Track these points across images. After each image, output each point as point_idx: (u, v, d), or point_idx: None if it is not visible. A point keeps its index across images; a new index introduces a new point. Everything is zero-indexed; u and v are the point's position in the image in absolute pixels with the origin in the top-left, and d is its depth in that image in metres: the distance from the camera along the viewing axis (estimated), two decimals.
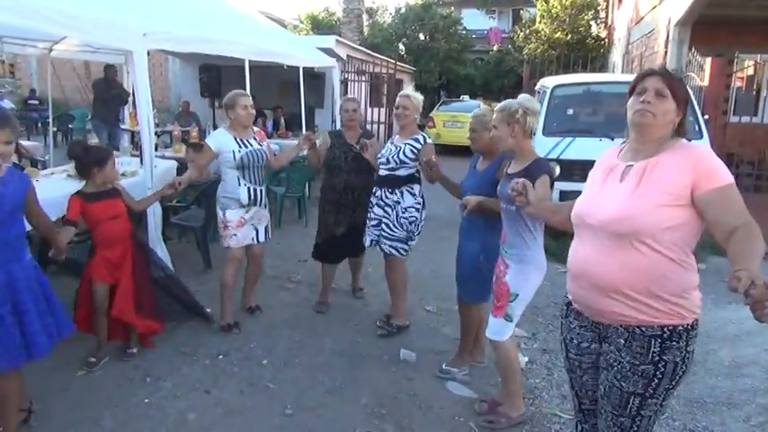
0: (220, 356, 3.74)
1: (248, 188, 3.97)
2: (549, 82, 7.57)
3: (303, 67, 8.43)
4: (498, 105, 2.92)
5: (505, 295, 2.89)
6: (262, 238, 4.17)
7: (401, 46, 21.78)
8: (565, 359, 2.26)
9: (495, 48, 23.53)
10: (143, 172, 4.86)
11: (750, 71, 8.96)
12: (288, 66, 8.06)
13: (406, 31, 21.83)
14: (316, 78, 10.23)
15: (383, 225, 4.08)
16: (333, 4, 24.52)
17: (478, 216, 3.18)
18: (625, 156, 2.04)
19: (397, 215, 4.02)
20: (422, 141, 4.03)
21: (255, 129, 4.12)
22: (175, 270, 4.93)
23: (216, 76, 8.70)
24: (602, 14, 18.82)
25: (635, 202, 1.88)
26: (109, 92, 8.54)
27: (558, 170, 6.08)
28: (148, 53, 4.73)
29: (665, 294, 1.87)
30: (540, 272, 2.91)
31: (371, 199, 4.20)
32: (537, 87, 8.48)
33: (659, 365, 1.90)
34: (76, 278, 3.59)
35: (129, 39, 4.49)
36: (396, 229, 4.03)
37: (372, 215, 4.16)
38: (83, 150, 3.53)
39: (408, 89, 4.46)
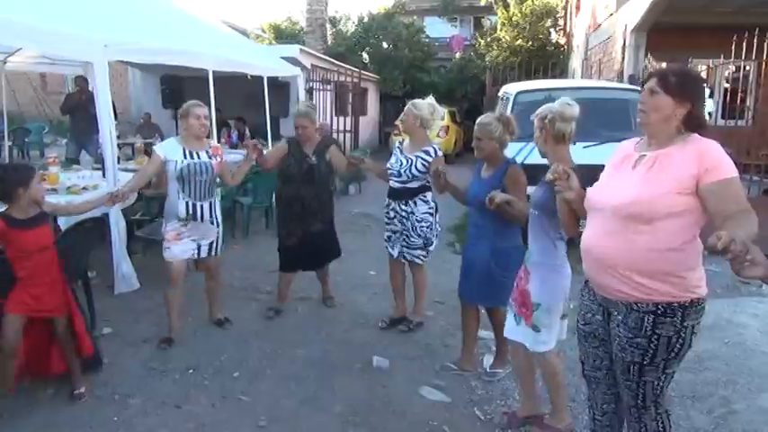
0: (190, 370, 3.68)
1: (186, 203, 3.85)
2: (511, 88, 7.71)
3: (267, 77, 8.39)
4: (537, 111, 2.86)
5: (529, 305, 2.87)
6: (204, 254, 4.02)
7: (365, 55, 21.84)
8: (576, 328, 2.48)
9: (457, 55, 23.79)
10: (105, 185, 4.77)
11: (703, 75, 9.28)
12: (252, 76, 8.01)
13: (369, 39, 21.90)
14: (280, 88, 10.19)
15: (404, 236, 4.17)
16: (296, 13, 24.39)
17: (487, 220, 3.26)
18: (640, 147, 2.20)
19: (412, 225, 4.11)
20: (432, 154, 4.01)
21: (213, 143, 3.97)
22: (142, 285, 4.87)
23: (178, 86, 8.61)
24: (561, 22, 19.24)
25: (645, 188, 2.05)
26: (76, 104, 8.36)
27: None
28: (109, 64, 4.66)
29: (660, 274, 2.05)
30: (565, 280, 2.86)
31: (387, 212, 4.23)
32: (500, 94, 8.62)
33: (652, 339, 2.10)
34: None
35: (90, 50, 4.43)
36: (414, 238, 4.14)
37: (395, 227, 4.20)
38: (2, 170, 3.13)
39: (429, 98, 4.23)
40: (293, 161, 4.28)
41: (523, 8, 18.36)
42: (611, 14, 10.79)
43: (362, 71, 16.11)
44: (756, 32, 6.60)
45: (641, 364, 2.16)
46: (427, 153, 4.01)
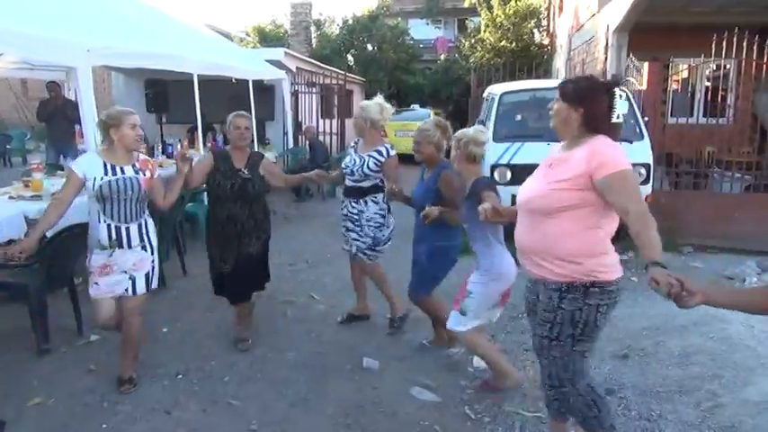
0: (180, 376, 3.66)
1: (109, 226, 3.23)
2: (496, 89, 7.76)
3: (252, 80, 8.38)
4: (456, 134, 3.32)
5: (463, 291, 3.30)
6: (140, 290, 3.35)
7: (350, 57, 21.87)
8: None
9: (442, 57, 23.90)
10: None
11: (684, 74, 9.41)
12: (237, 79, 7.99)
13: (354, 42, 21.94)
14: (265, 91, 10.16)
15: (354, 234, 4.21)
16: (280, 16, 24.37)
17: (424, 224, 3.50)
18: (560, 150, 2.50)
19: (361, 225, 4.15)
20: (385, 154, 4.11)
21: (142, 156, 3.41)
22: None
23: (162, 91, 8.52)
24: (545, 23, 19.39)
25: (541, 186, 2.42)
26: (54, 110, 8.25)
27: (509, 175, 6.25)
28: (92, 69, 4.64)
29: (563, 258, 2.35)
30: (497, 278, 3.22)
31: (342, 210, 4.25)
32: (485, 95, 8.68)
33: (557, 313, 2.39)
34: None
35: (73, 55, 4.41)
36: (363, 237, 4.17)
37: (348, 226, 4.25)
38: None
39: (377, 98, 4.34)
40: (221, 178, 3.84)
41: (507, 9, 18.48)
42: (594, 15, 10.90)
43: (348, 73, 16.09)
44: (736, 32, 6.71)
45: (549, 338, 2.44)
46: (379, 153, 4.11)
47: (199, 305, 4.82)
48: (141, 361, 3.81)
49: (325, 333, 4.35)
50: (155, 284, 3.47)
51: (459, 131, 3.31)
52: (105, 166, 3.21)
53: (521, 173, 6.37)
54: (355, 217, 4.18)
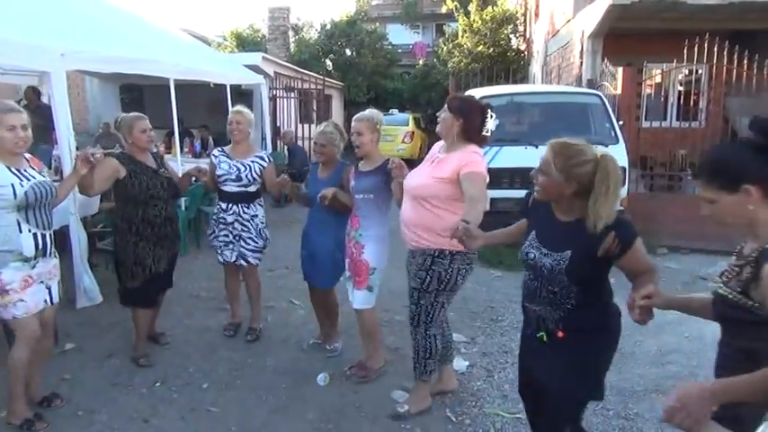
0: (158, 384, 3.61)
1: (35, 235, 2.98)
2: (474, 94, 7.81)
3: (230, 85, 8.33)
4: (361, 115, 3.58)
5: (365, 271, 3.51)
6: (56, 299, 3.18)
7: (328, 62, 21.86)
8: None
9: (420, 62, 24.03)
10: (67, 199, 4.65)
11: (658, 79, 9.58)
12: (215, 83, 7.94)
13: (332, 46, 21.95)
14: (244, 96, 10.08)
15: (243, 240, 4.21)
16: (257, 21, 24.28)
17: (330, 215, 3.71)
18: (440, 150, 3.14)
19: (256, 227, 4.23)
20: (267, 159, 4.28)
21: (28, 155, 3.11)
22: (105, 298, 4.76)
23: (138, 95, 8.46)
24: (521, 28, 19.60)
25: (425, 178, 3.06)
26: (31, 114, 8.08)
27: (487, 178, 6.29)
28: (66, 74, 4.57)
29: (435, 231, 2.96)
30: (384, 240, 3.55)
31: (225, 217, 4.19)
32: None
33: (429, 272, 3.05)
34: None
35: (46, 59, 4.34)
36: (258, 240, 4.25)
37: (229, 232, 4.19)
38: None
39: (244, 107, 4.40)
40: (147, 179, 3.70)
41: (484, 15, 18.65)
42: (569, 21, 11.06)
43: (326, 78, 16.09)
44: (707, 38, 6.86)
45: (419, 290, 3.09)
46: (262, 159, 4.25)
47: (176, 311, 4.77)
48: (117, 369, 3.76)
49: (306, 338, 4.32)
50: (60, 295, 3.25)
51: (368, 114, 3.58)
52: (11, 170, 2.89)
53: (499, 176, 6.46)
54: (247, 221, 4.20)
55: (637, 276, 2.13)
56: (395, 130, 15.91)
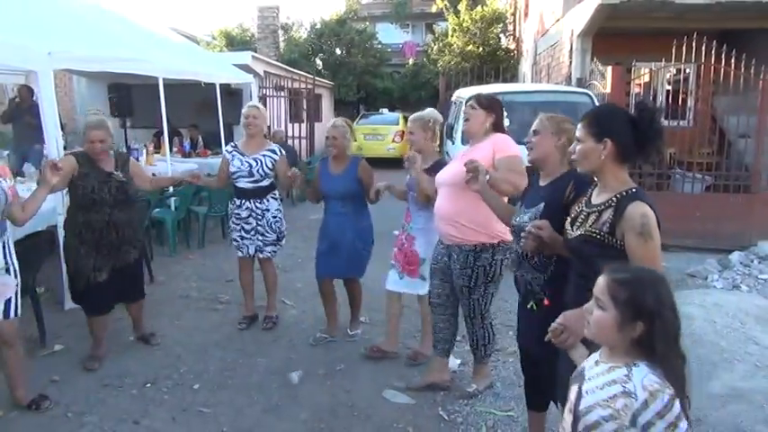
0: (148, 384, 3.59)
1: None
2: (464, 93, 7.83)
3: (220, 84, 8.29)
4: (415, 116, 3.76)
5: (416, 261, 3.74)
6: (12, 314, 3.02)
7: (318, 61, 21.80)
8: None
9: (410, 61, 24.01)
10: (53, 197, 4.61)
11: (646, 78, 9.63)
12: (205, 83, 7.89)
13: (322, 46, 21.89)
14: (233, 95, 10.05)
15: (259, 233, 4.34)
16: (247, 20, 24.14)
17: (348, 208, 4.00)
18: (469, 147, 3.39)
19: (267, 221, 4.33)
20: (278, 152, 4.36)
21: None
22: None
23: (126, 95, 8.36)
24: (511, 27, 19.64)
25: (459, 167, 2.99)
26: (18, 114, 8.01)
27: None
28: (54, 73, 4.52)
29: (474, 223, 3.13)
30: (433, 232, 3.58)
31: (239, 212, 4.32)
32: (453, 98, 8.75)
33: (474, 268, 3.19)
34: None
35: (34, 58, 4.30)
36: (270, 234, 4.36)
37: (248, 227, 4.34)
38: None
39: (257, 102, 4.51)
40: (96, 182, 3.57)
41: (473, 14, 18.66)
42: (558, 20, 11.09)
43: (316, 77, 16.05)
44: (695, 37, 6.90)
45: (469, 287, 3.24)
46: (273, 152, 4.33)
47: (166, 312, 4.74)
48: (107, 370, 3.73)
49: (297, 338, 4.32)
50: (19, 310, 3.10)
51: (423, 114, 3.74)
52: None
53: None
54: (260, 215, 4.31)
55: None
56: (385, 130, 15.89)
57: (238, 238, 4.39)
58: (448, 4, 19.72)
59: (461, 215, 3.15)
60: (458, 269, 3.24)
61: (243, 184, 4.30)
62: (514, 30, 19.26)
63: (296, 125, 13.42)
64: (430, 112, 3.80)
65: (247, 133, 4.36)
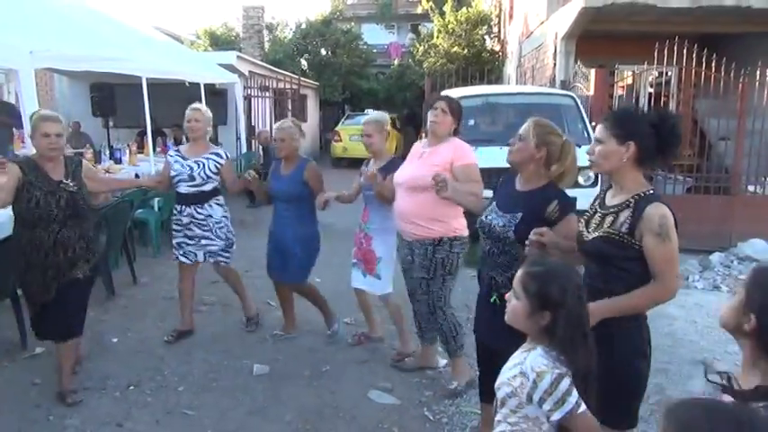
0: (131, 387, 3.55)
1: None
2: (449, 94, 7.84)
3: (204, 84, 8.24)
4: (371, 118, 3.87)
5: (374, 259, 3.82)
6: None
7: (303, 61, 21.73)
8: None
9: (395, 62, 24.05)
10: None
11: (629, 80, 9.76)
12: (189, 82, 7.84)
13: (307, 46, 21.82)
14: (218, 95, 10.00)
15: (204, 241, 4.15)
16: (231, 19, 23.99)
17: (291, 211, 3.97)
18: (424, 146, 3.44)
19: (211, 229, 4.13)
20: (224, 156, 4.17)
21: None
22: None
23: (109, 94, 8.28)
24: (496, 29, 19.75)
25: (417, 170, 3.30)
26: None
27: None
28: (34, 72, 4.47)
29: (432, 219, 3.27)
30: (391, 231, 3.72)
31: (180, 218, 4.10)
32: None
33: (433, 261, 3.32)
34: None
35: (14, 57, 4.24)
36: (217, 241, 4.18)
37: (190, 233, 4.12)
38: None
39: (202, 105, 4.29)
40: (41, 192, 3.08)
41: (459, 16, 18.74)
42: (542, 23, 11.18)
43: (301, 78, 16.02)
44: (676, 40, 7.00)
45: (427, 279, 3.36)
46: (218, 155, 4.15)
47: (150, 314, 4.70)
48: (89, 373, 3.69)
49: (282, 340, 4.30)
50: None
51: (378, 117, 3.89)
52: None
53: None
54: (202, 222, 4.11)
55: None
56: None
57: (182, 245, 4.16)
58: (433, 6, 19.79)
59: (420, 213, 3.29)
60: (417, 263, 3.37)
61: (183, 189, 4.07)
62: (499, 32, 19.37)
63: None
64: (382, 114, 3.98)
65: (190, 137, 4.17)
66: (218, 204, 4.17)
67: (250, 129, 11.60)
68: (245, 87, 11.31)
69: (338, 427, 3.20)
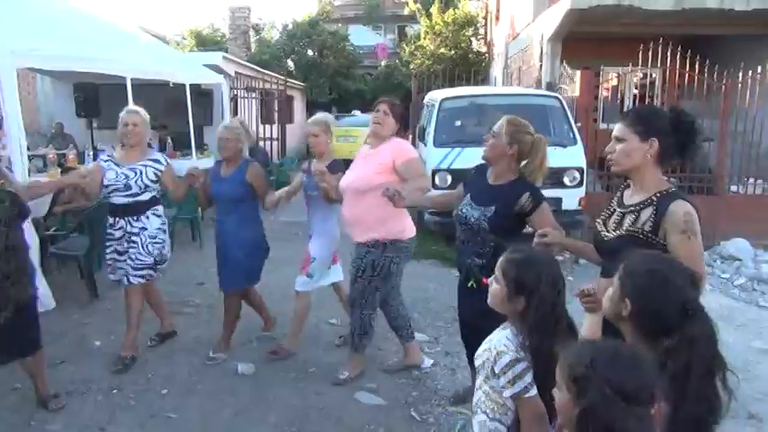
0: (114, 390, 3.51)
1: None
2: (436, 95, 7.86)
3: (190, 85, 8.18)
4: (317, 119, 3.86)
5: (307, 259, 3.81)
6: None
7: (290, 62, 21.69)
8: None
9: (382, 63, 24.08)
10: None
11: (614, 82, 9.84)
12: (174, 83, 7.78)
13: (294, 47, 21.78)
14: (203, 96, 9.92)
15: (130, 257, 3.75)
16: (217, 20, 23.88)
17: (231, 215, 3.83)
18: (368, 149, 3.49)
19: (142, 242, 3.76)
20: (164, 162, 3.85)
21: None
22: (59, 303, 4.61)
23: (93, 94, 8.17)
24: (482, 31, 19.84)
25: (357, 172, 3.41)
26: None
27: (449, 179, 6.34)
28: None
29: (372, 223, 3.31)
30: (335, 239, 3.84)
31: (112, 232, 3.76)
32: (425, 101, 8.79)
33: (363, 260, 3.39)
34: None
35: None
36: (145, 257, 3.78)
37: (120, 248, 3.76)
38: None
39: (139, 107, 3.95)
40: None
41: (445, 17, 18.80)
42: (529, 24, 11.24)
43: (288, 79, 15.97)
44: (661, 42, 7.07)
45: (356, 276, 3.43)
46: (158, 162, 3.82)
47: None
48: (71, 376, 3.64)
49: (267, 341, 4.27)
50: None
51: (323, 118, 3.87)
52: None
53: (460, 177, 6.50)
54: (135, 235, 3.74)
55: None
56: (357, 131, 15.84)
57: (112, 261, 3.82)
58: (420, 7, 19.84)
59: (362, 217, 3.37)
60: (354, 260, 3.47)
61: (117, 199, 3.69)
62: (486, 33, 19.46)
63: (267, 126, 13.31)
64: (326, 115, 3.99)
65: (126, 143, 3.76)
66: (155, 215, 3.81)
67: None
68: (231, 88, 11.24)
69: (324, 428, 3.18)
